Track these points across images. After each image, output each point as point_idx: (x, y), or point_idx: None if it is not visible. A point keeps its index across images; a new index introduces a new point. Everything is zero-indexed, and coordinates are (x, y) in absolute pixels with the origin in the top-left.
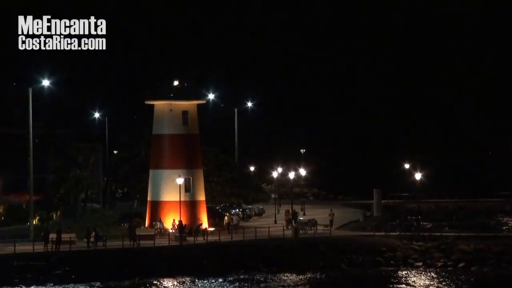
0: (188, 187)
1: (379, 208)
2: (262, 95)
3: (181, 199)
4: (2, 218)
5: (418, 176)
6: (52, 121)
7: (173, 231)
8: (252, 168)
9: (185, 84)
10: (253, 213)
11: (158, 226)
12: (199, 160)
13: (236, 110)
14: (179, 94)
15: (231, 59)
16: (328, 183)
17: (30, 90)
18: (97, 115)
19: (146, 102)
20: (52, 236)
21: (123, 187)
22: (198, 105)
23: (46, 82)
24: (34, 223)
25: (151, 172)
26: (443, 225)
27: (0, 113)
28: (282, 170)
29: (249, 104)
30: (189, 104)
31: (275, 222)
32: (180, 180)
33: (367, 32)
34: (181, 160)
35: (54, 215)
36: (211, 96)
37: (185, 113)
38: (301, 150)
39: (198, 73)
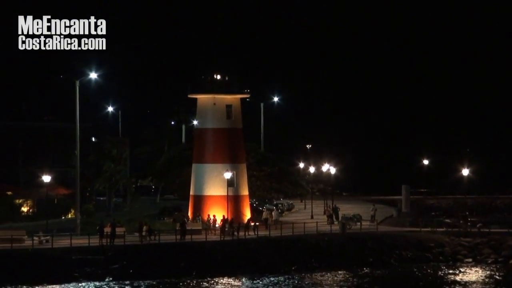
0: (232, 182)
1: (407, 204)
2: (286, 90)
3: (225, 194)
4: (32, 211)
5: (465, 172)
6: (62, 115)
7: (217, 226)
8: None
9: (226, 78)
10: (284, 208)
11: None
12: (243, 155)
13: (262, 104)
14: (223, 88)
15: (256, 52)
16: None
17: (77, 83)
18: (110, 109)
19: (189, 96)
20: (107, 230)
21: (158, 181)
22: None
23: (93, 75)
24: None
25: (194, 166)
26: (490, 221)
27: (9, 107)
28: (306, 165)
29: (275, 99)
30: (233, 98)
31: (312, 217)
32: (228, 175)
33: (394, 23)
34: (225, 155)
35: None
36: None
37: (229, 107)
38: (307, 146)
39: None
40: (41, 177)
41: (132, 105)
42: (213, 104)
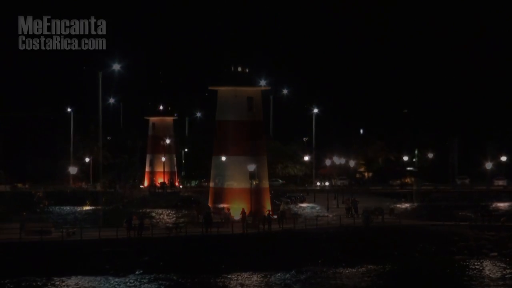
0: (253, 174)
1: (418, 196)
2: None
3: (246, 186)
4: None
5: (489, 165)
6: (59, 105)
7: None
8: None
9: (247, 70)
10: (297, 201)
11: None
12: (263, 147)
13: (271, 97)
14: (244, 80)
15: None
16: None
17: (100, 74)
18: (112, 100)
19: (209, 88)
20: (134, 222)
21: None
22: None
23: (116, 66)
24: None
25: (214, 158)
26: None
27: (8, 99)
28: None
29: (285, 91)
30: (254, 90)
31: (327, 209)
32: (251, 167)
33: (409, 14)
34: (245, 147)
35: None
36: (262, 83)
37: (250, 99)
38: (304, 139)
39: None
40: (48, 169)
41: (133, 96)
42: (234, 96)
